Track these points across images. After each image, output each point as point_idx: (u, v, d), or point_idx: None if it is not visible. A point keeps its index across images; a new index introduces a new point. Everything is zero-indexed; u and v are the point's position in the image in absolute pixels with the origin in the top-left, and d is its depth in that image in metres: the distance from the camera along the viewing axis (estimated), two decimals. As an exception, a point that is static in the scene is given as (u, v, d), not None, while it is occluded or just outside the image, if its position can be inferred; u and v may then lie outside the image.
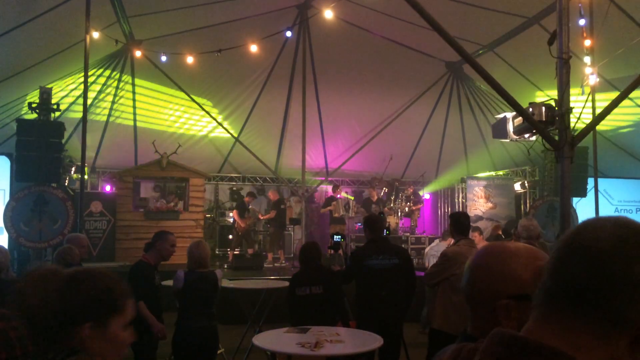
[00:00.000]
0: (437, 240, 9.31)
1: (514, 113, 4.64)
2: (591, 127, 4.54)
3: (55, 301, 1.30)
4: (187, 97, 11.56)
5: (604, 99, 8.58)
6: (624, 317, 0.73)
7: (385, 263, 4.82)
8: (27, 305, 1.30)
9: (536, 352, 0.74)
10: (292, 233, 13.15)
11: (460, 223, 4.52)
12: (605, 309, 0.74)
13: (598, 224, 0.79)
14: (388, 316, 4.68)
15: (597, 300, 0.74)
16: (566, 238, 0.80)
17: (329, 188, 13.26)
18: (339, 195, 12.29)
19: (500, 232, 7.65)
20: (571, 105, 4.17)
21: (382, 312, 4.69)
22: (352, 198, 13.44)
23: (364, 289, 4.81)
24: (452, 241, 8.62)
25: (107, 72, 11.17)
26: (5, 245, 9.11)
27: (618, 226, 0.77)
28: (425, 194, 14.99)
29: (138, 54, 10.24)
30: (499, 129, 5.49)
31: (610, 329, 0.74)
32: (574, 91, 4.29)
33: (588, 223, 0.80)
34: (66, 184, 10.07)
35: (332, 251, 5.79)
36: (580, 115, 4.54)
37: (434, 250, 8.54)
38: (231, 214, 12.33)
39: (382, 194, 12.98)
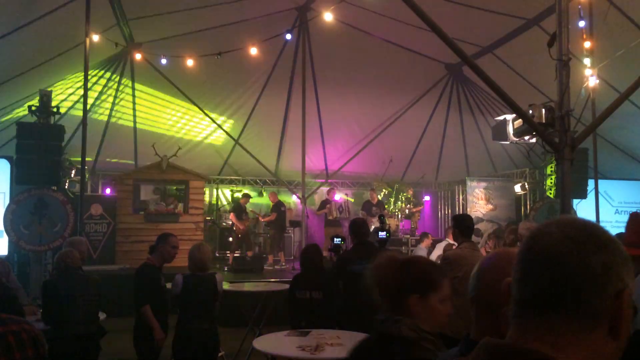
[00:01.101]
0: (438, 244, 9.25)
1: (514, 115, 4.64)
2: (591, 129, 4.54)
3: (393, 278, 1.74)
4: (187, 99, 11.56)
5: (603, 101, 8.58)
6: (595, 308, 0.77)
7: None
8: (376, 280, 1.78)
9: (518, 355, 0.77)
10: (292, 235, 13.14)
11: (465, 226, 4.50)
12: (576, 306, 0.77)
13: (545, 230, 0.83)
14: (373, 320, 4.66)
15: (566, 300, 0.78)
16: (522, 251, 0.85)
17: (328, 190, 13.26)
18: (334, 198, 12.30)
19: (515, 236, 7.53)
20: (571, 107, 4.16)
21: (370, 317, 4.67)
22: (353, 200, 13.44)
23: (349, 294, 4.80)
24: (429, 242, 8.57)
25: (107, 75, 11.18)
26: (5, 247, 9.12)
27: (563, 227, 0.82)
28: (425, 195, 14.99)
29: (138, 56, 10.24)
30: (499, 131, 5.49)
31: (586, 323, 0.77)
32: (573, 93, 4.29)
33: (536, 233, 0.84)
34: (66, 187, 10.07)
35: (333, 254, 5.77)
36: (580, 117, 4.53)
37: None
38: (229, 217, 12.32)
39: (381, 196, 12.98)
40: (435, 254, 8.16)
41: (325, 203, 12.22)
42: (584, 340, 0.77)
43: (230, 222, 11.93)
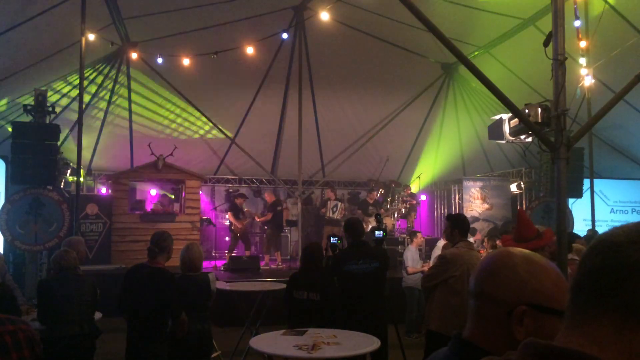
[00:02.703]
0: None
1: (510, 114, 4.64)
2: (587, 128, 4.55)
3: None
4: (183, 98, 11.54)
5: (599, 100, 8.61)
6: (639, 304, 0.73)
7: (366, 267, 4.83)
8: None
9: (562, 357, 0.74)
10: (289, 235, 13.13)
11: (462, 225, 4.52)
12: (619, 296, 0.74)
13: (624, 225, 0.81)
14: (371, 319, 4.67)
15: (609, 287, 0.75)
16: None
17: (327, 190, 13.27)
18: (334, 197, 12.31)
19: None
20: (566, 106, 4.17)
21: (365, 316, 4.68)
22: (348, 200, 13.45)
23: (345, 293, 4.81)
24: (420, 241, 8.50)
25: (103, 74, 11.14)
26: (1, 247, 9.08)
27: (629, 229, 0.79)
28: (422, 195, 15.00)
29: (134, 55, 10.22)
30: (495, 131, 5.49)
31: (629, 319, 0.74)
32: (569, 92, 4.29)
33: (601, 233, 0.83)
34: (62, 186, 10.03)
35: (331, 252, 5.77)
36: (575, 116, 4.55)
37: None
38: (227, 216, 12.31)
39: (378, 195, 13.00)
40: (435, 254, 8.14)
41: (325, 202, 12.25)
42: (623, 340, 0.74)
43: (228, 222, 11.91)
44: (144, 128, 12.23)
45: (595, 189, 9.34)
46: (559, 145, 4.00)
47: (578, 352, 0.74)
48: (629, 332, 0.74)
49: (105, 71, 11.10)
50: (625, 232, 0.78)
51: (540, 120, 4.08)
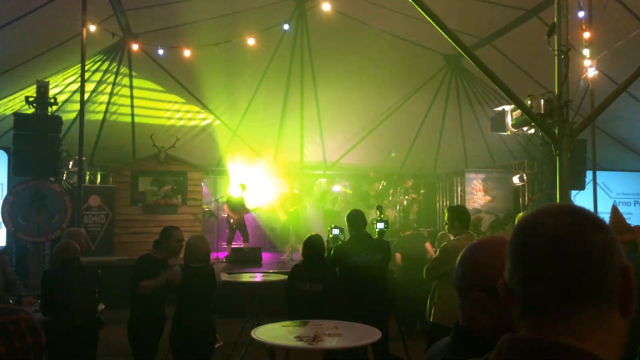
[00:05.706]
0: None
1: (513, 106, 4.63)
2: (590, 120, 4.54)
3: None
4: (184, 90, 11.51)
5: (602, 92, 8.56)
6: (608, 289, 0.75)
7: (369, 259, 4.85)
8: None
9: (551, 350, 0.74)
10: (290, 227, 13.11)
11: (465, 217, 4.52)
12: (591, 291, 0.75)
13: (539, 221, 0.80)
14: (373, 311, 4.69)
15: (581, 287, 0.75)
16: (519, 246, 0.81)
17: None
18: (335, 189, 12.32)
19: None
20: (569, 98, 4.15)
21: (367, 307, 4.70)
22: (351, 192, 13.45)
23: (347, 285, 4.82)
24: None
25: (104, 66, 11.12)
26: (4, 239, 9.11)
27: (557, 215, 0.79)
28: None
29: (135, 47, 10.19)
30: (498, 122, 5.49)
31: (604, 306, 0.76)
32: (572, 84, 4.28)
33: (530, 225, 0.81)
34: (64, 178, 10.04)
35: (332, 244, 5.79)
36: (578, 108, 4.53)
37: None
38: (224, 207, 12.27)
39: (380, 187, 12.99)
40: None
41: (325, 194, 12.26)
42: (605, 326, 0.75)
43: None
44: (145, 119, 12.21)
45: (598, 181, 9.32)
46: (561, 137, 3.99)
47: (563, 344, 0.74)
48: (606, 318, 0.76)
49: (107, 63, 11.07)
50: (557, 227, 0.77)
51: (543, 112, 4.07)
